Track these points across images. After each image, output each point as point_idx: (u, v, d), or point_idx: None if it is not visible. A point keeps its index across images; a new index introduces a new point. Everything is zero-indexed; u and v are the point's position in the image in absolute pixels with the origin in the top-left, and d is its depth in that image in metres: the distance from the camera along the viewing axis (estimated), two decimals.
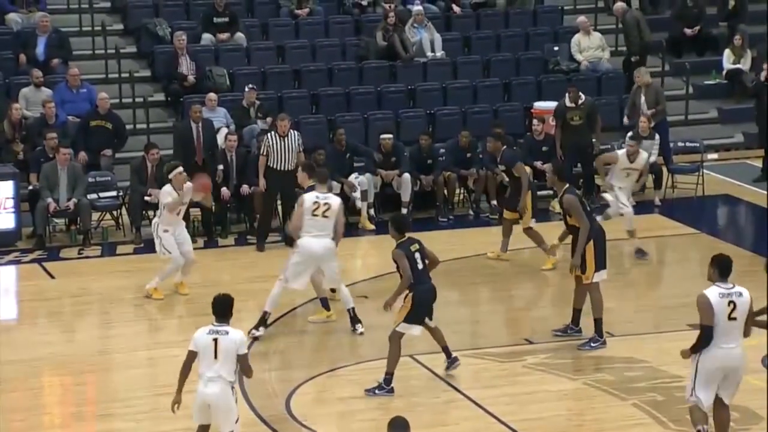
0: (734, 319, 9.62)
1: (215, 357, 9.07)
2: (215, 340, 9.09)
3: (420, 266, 11.44)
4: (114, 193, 16.54)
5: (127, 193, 16.42)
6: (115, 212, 16.52)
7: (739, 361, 9.76)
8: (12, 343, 12.89)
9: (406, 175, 16.95)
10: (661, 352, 11.84)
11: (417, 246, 11.50)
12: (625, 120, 18.36)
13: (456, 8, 20.83)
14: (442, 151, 17.49)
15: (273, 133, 15.68)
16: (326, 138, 17.72)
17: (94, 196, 16.32)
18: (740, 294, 9.68)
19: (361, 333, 12.85)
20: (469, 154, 17.32)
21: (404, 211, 16.84)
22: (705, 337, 9.62)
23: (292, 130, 15.67)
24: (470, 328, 13.42)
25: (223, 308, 9.31)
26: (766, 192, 17.74)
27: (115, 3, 20.54)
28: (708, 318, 9.59)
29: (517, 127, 18.40)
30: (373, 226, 16.70)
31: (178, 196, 13.74)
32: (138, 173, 16.10)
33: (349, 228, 16.59)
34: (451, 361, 11.82)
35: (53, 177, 15.92)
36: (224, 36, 19.41)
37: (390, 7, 19.77)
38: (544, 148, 17.33)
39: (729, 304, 9.61)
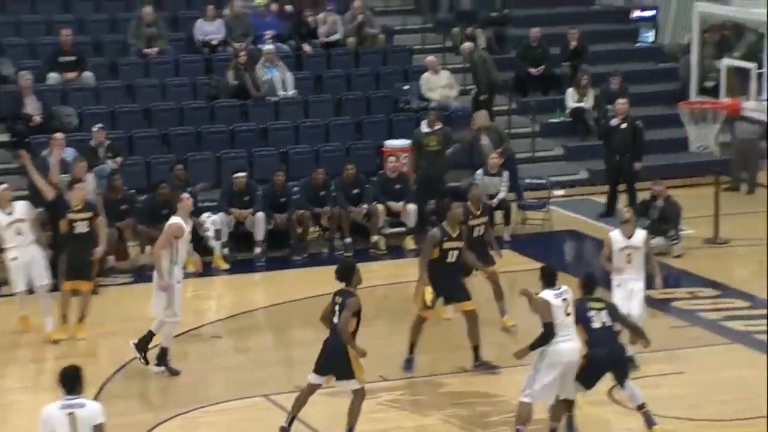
0: (569, 314, 10.46)
1: None
2: (71, 414, 8.20)
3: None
4: None
5: None
6: None
7: (577, 354, 10.52)
8: None
9: (260, 214, 16.92)
10: (514, 384, 12.01)
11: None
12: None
13: (307, 47, 20.94)
14: (295, 189, 17.53)
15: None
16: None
17: None
18: (567, 291, 10.56)
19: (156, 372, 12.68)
20: (322, 192, 17.38)
21: (257, 250, 16.81)
22: (547, 334, 10.40)
23: (88, 174, 15.86)
24: None
25: (73, 381, 8.28)
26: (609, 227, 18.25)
27: None
28: (548, 315, 10.42)
29: (370, 165, 18.56)
30: (227, 266, 16.59)
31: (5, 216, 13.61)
32: None
33: (204, 267, 16.48)
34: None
35: None
36: (71, 75, 19.11)
37: (240, 46, 19.76)
38: (397, 186, 17.52)
39: (563, 302, 10.47)
